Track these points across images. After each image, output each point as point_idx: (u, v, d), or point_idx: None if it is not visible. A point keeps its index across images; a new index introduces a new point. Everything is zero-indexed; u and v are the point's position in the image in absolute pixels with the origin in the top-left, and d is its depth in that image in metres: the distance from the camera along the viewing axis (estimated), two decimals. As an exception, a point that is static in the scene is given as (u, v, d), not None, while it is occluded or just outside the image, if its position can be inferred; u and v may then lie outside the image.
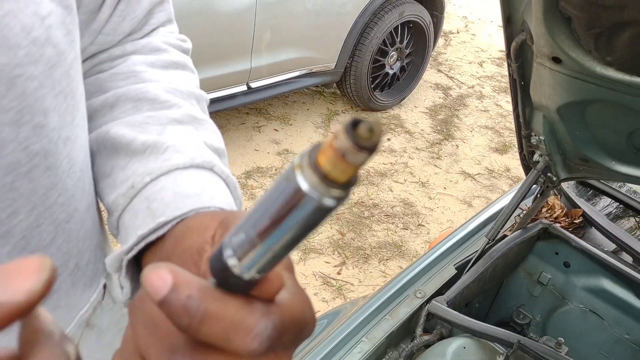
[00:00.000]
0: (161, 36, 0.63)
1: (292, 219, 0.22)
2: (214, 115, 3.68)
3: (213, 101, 3.31)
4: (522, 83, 1.25)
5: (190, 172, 0.48)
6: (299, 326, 0.28)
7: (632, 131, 1.24)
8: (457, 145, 4.20)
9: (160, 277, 0.25)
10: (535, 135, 1.40)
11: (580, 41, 1.02)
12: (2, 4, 0.38)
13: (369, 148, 0.20)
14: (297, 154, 0.25)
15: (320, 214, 0.22)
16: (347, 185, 0.21)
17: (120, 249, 0.44)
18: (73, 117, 0.48)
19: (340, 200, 0.21)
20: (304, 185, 0.21)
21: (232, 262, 0.25)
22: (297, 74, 3.70)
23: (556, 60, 1.09)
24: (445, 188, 3.72)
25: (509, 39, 1.15)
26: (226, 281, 0.26)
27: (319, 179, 0.21)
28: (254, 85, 3.47)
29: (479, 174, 3.92)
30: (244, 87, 3.43)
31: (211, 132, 0.56)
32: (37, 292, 0.20)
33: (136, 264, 0.45)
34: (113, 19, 0.57)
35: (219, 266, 0.26)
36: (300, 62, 3.67)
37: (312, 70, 3.78)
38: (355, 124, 0.20)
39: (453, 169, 3.93)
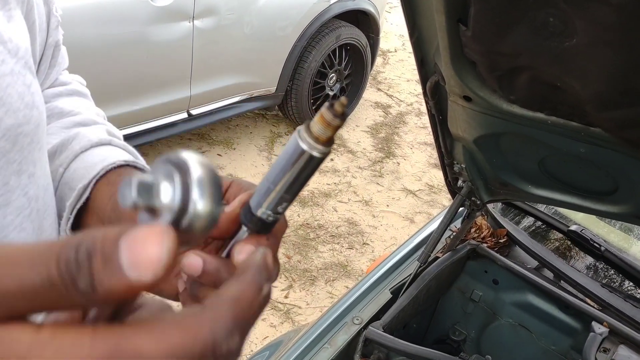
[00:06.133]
0: (66, 75, 0.75)
1: (297, 169, 0.35)
2: (154, 143, 3.66)
3: (153, 130, 3.30)
4: (440, 117, 1.33)
5: (93, 150, 0.59)
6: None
7: (542, 158, 1.33)
8: (398, 163, 4.32)
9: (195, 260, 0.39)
10: (458, 164, 1.48)
11: (485, 82, 1.10)
12: (2, 78, 0.47)
13: (342, 116, 0.34)
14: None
15: (315, 163, 0.35)
16: (329, 143, 0.35)
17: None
18: (46, 168, 0.57)
19: (325, 153, 0.35)
20: (303, 146, 0.34)
21: (259, 211, 0.38)
22: (238, 99, 3.73)
23: (467, 98, 1.17)
24: (388, 205, 3.81)
25: (424, 79, 1.23)
26: (256, 226, 0.39)
27: (313, 140, 0.34)
28: (194, 112, 3.48)
29: (419, 190, 4.05)
30: (184, 115, 3.43)
31: (111, 127, 0.67)
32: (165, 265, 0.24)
33: None
34: (45, 81, 0.68)
35: (249, 216, 0.39)
36: (241, 88, 3.70)
37: (253, 95, 3.82)
38: (332, 104, 0.33)
39: (395, 186, 4.04)
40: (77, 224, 0.55)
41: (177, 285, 0.44)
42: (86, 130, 0.62)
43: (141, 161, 0.60)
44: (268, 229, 0.40)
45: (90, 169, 0.55)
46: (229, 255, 0.41)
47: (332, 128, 0.34)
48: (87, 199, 0.53)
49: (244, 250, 0.38)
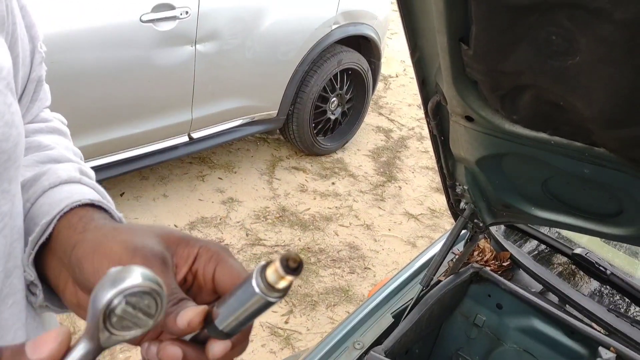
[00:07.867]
0: (48, 112, 0.75)
1: (251, 308, 0.39)
2: (155, 167, 3.65)
3: (154, 153, 3.29)
4: (442, 138, 1.32)
5: (61, 187, 0.59)
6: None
7: (546, 180, 1.32)
8: (399, 187, 4.30)
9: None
10: (460, 185, 1.47)
11: (487, 102, 1.10)
12: None
13: (295, 272, 0.36)
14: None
15: (267, 305, 0.39)
16: (284, 291, 0.37)
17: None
18: (18, 185, 0.57)
19: (279, 298, 0.38)
20: (257, 290, 0.37)
21: (221, 326, 0.42)
22: (239, 123, 3.74)
23: (469, 118, 1.16)
24: (389, 230, 3.78)
25: (425, 100, 1.22)
26: (223, 336, 0.43)
27: (265, 287, 0.37)
28: (195, 135, 3.48)
29: (421, 214, 4.02)
30: (185, 138, 3.43)
31: (85, 166, 0.67)
32: (56, 350, 0.34)
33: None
34: (26, 115, 0.68)
35: (213, 328, 0.42)
36: (242, 111, 3.71)
37: (255, 119, 3.83)
38: (287, 258, 0.35)
39: (397, 210, 4.02)
40: (39, 258, 0.54)
41: None
42: (57, 167, 0.62)
43: (108, 202, 0.60)
44: (235, 333, 0.43)
45: (55, 205, 0.55)
46: (195, 340, 0.45)
47: (287, 281, 0.36)
48: (50, 235, 0.53)
49: (219, 345, 0.43)
